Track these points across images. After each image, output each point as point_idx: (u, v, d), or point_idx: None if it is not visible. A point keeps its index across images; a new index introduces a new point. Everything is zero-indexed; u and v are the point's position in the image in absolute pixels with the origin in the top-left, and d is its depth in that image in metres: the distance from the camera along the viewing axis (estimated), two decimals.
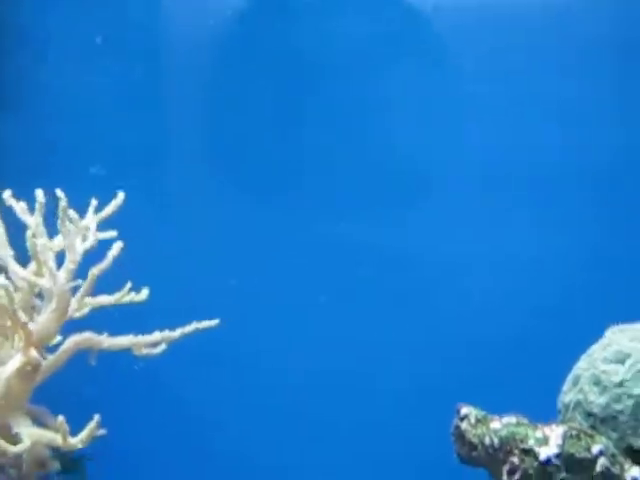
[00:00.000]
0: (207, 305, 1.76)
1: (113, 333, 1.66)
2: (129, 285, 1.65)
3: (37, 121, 2.39)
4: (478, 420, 1.67)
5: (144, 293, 1.66)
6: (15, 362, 1.48)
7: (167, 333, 1.70)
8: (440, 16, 2.28)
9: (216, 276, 2.40)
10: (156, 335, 1.69)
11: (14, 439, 1.44)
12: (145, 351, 1.70)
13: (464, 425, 1.66)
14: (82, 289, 1.54)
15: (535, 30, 2.26)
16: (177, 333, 1.68)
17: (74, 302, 1.58)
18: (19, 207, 1.55)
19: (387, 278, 2.36)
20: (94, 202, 1.64)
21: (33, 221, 1.55)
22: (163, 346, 1.68)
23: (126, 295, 1.65)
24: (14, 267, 1.56)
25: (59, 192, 1.52)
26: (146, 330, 1.65)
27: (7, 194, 1.56)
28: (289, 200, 2.42)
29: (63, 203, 1.51)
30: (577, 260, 2.19)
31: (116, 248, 1.59)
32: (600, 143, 2.18)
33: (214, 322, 1.72)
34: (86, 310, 1.65)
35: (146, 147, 2.42)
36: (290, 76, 2.38)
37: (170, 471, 2.27)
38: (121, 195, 1.65)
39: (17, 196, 1.59)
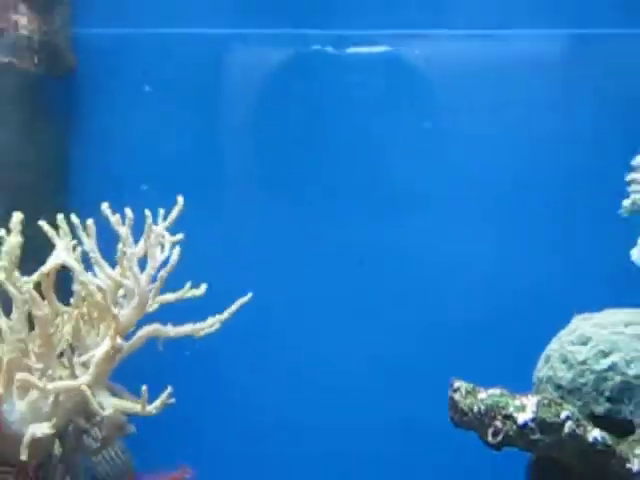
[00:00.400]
0: (241, 291, 1.81)
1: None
2: (189, 284, 1.74)
3: (106, 152, 2.51)
4: (468, 392, 1.73)
5: (202, 288, 1.73)
6: (104, 347, 1.53)
7: (218, 316, 1.75)
8: (428, 69, 2.40)
9: (249, 267, 2.49)
10: (210, 320, 1.75)
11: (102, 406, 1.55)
12: (203, 333, 1.76)
13: (457, 396, 1.73)
14: (155, 289, 1.61)
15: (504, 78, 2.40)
16: (225, 314, 1.74)
17: (150, 300, 1.65)
18: (114, 219, 1.60)
19: (387, 269, 2.47)
20: (162, 211, 1.71)
21: (124, 232, 1.60)
22: (217, 325, 1.75)
23: (188, 291, 1.74)
24: (107, 270, 1.61)
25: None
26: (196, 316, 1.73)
27: (105, 206, 1.60)
28: (313, 209, 2.56)
29: (149, 220, 1.60)
30: (549, 262, 2.22)
31: (176, 254, 1.65)
32: (554, 165, 2.33)
33: (249, 296, 1.78)
34: (156, 306, 1.71)
35: (187, 169, 2.56)
36: (311, 115, 2.54)
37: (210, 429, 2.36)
38: (180, 200, 1.72)
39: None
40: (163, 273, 1.60)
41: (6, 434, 1.48)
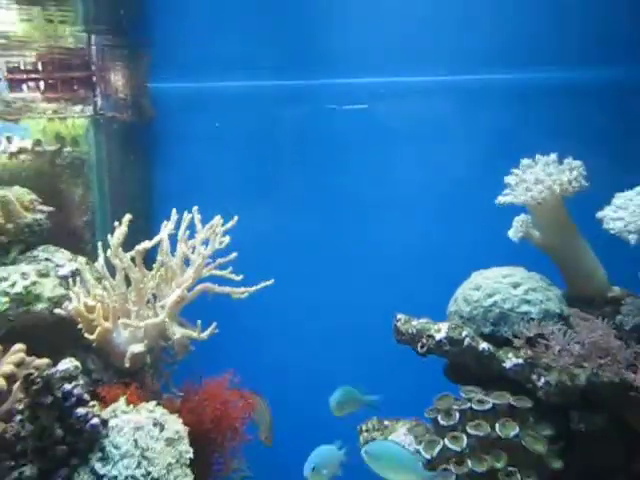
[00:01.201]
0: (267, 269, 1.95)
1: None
2: (230, 268, 1.89)
3: (178, 177, 2.64)
4: (405, 321, 1.90)
5: (240, 277, 1.90)
6: (174, 296, 1.77)
7: (250, 288, 1.89)
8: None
9: (273, 250, 2.62)
10: (242, 289, 1.89)
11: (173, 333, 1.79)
12: (236, 296, 1.89)
13: (398, 324, 1.90)
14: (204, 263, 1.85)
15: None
16: (253, 288, 1.90)
17: (205, 270, 1.84)
18: (197, 218, 1.84)
19: (358, 248, 2.64)
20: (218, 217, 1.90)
21: (200, 227, 1.85)
22: (247, 294, 1.89)
23: (229, 274, 1.89)
24: (184, 248, 1.82)
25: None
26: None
27: (195, 209, 1.84)
28: (317, 212, 2.71)
29: (218, 219, 1.86)
30: (461, 240, 2.48)
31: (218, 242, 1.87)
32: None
33: (271, 281, 1.89)
34: (207, 274, 1.86)
35: (236, 187, 2.69)
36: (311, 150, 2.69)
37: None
38: (236, 218, 1.89)
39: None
40: (220, 260, 1.85)
41: (117, 352, 1.69)
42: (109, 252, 1.74)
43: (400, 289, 2.35)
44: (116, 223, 1.79)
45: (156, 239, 1.79)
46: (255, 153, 2.69)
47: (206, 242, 1.83)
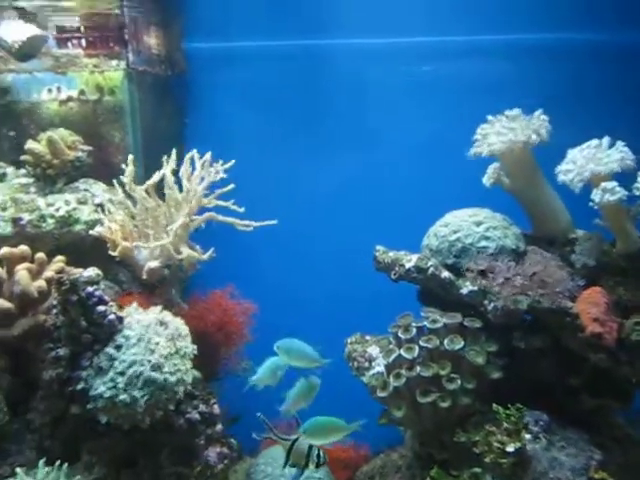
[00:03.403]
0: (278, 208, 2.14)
1: None
2: (232, 200, 2.08)
3: (207, 122, 2.82)
4: (383, 252, 2.06)
5: (242, 209, 2.07)
6: (180, 221, 2.02)
7: (252, 222, 2.06)
8: None
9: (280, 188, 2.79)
10: (247, 222, 2.07)
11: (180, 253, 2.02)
12: (241, 228, 2.07)
13: (377, 254, 2.07)
14: (211, 195, 2.08)
15: None
16: (257, 223, 2.07)
17: (206, 200, 2.05)
18: (196, 157, 2.05)
19: (353, 188, 2.77)
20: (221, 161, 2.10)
21: (199, 165, 2.06)
22: (251, 227, 2.06)
23: (231, 204, 2.06)
24: (186, 183, 2.04)
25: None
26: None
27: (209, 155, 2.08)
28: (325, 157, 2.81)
29: (209, 156, 2.05)
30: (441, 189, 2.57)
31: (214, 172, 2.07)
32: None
33: (273, 222, 2.06)
34: (211, 204, 2.07)
35: (254, 137, 2.83)
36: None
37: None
38: (232, 161, 2.10)
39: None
40: (219, 191, 2.06)
41: (139, 267, 1.90)
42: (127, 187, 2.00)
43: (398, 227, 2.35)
44: (129, 158, 2.01)
45: (159, 174, 2.01)
46: (277, 106, 2.81)
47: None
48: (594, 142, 1.84)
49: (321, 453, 1.60)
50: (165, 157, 2.06)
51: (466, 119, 2.06)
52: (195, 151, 2.08)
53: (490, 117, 2.03)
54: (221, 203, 2.09)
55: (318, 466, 1.60)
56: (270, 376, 1.76)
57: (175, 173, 2.06)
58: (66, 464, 1.65)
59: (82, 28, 2.23)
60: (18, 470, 1.61)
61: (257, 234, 2.11)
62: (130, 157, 2.05)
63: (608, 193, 1.74)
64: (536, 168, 2.03)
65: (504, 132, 1.96)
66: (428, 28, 2.66)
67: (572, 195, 1.82)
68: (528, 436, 1.71)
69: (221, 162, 2.10)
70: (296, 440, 1.60)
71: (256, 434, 1.65)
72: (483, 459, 1.66)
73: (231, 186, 2.07)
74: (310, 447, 1.59)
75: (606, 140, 1.83)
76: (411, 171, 2.68)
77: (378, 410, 1.96)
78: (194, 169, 2.07)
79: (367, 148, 2.78)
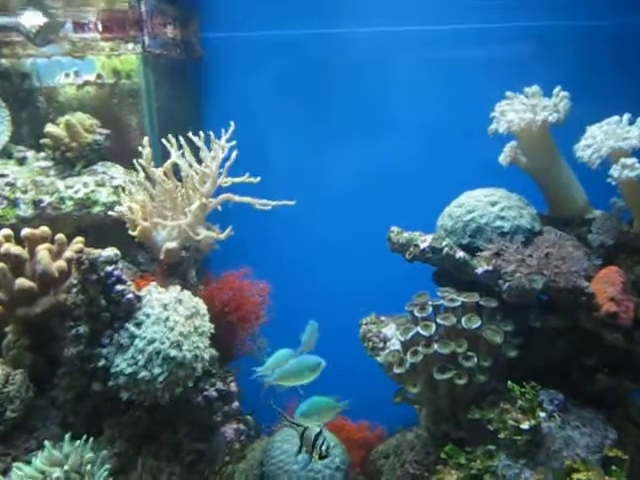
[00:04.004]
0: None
1: None
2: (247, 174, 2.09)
3: (221, 105, 2.83)
4: (398, 232, 2.05)
5: (257, 179, 2.07)
6: (197, 203, 2.03)
7: (270, 202, 2.07)
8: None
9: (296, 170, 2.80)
10: (263, 201, 2.08)
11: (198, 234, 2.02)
12: (259, 206, 2.07)
13: (391, 235, 2.05)
14: (222, 174, 2.07)
15: None
16: (274, 203, 2.08)
17: (219, 180, 2.05)
18: (199, 141, 2.05)
19: (366, 169, 2.77)
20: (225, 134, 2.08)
21: (204, 148, 2.05)
22: (269, 206, 2.08)
23: (246, 178, 2.07)
24: (198, 168, 2.04)
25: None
26: None
27: (230, 134, 2.08)
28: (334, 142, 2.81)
29: (218, 142, 2.05)
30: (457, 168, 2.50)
31: (233, 155, 2.07)
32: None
33: (292, 202, 2.08)
34: (227, 184, 2.07)
35: (269, 119, 2.85)
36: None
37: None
38: (232, 125, 2.08)
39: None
40: (227, 164, 2.04)
41: (157, 247, 1.98)
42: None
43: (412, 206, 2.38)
44: (145, 141, 2.03)
45: (175, 156, 2.01)
46: (289, 91, 2.82)
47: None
48: (614, 118, 1.82)
49: (328, 444, 1.61)
50: (171, 141, 2.03)
51: (482, 102, 2.07)
52: (211, 133, 2.06)
53: (509, 93, 2.00)
54: (237, 180, 2.08)
55: (322, 458, 1.60)
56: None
57: (195, 155, 2.07)
58: (92, 439, 1.69)
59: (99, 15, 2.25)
60: (46, 443, 1.65)
61: (272, 216, 2.14)
62: (145, 139, 2.07)
63: (628, 169, 1.72)
64: (554, 147, 2.01)
65: (523, 109, 1.93)
66: (440, 16, 2.63)
67: (590, 176, 1.81)
68: (543, 414, 1.72)
69: (224, 136, 2.07)
70: (306, 429, 1.61)
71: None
72: (497, 436, 1.69)
73: (258, 179, 2.06)
74: (316, 437, 1.60)
75: (627, 116, 1.81)
76: (427, 155, 2.65)
77: (392, 391, 1.94)
78: (210, 151, 2.07)
79: (382, 131, 2.77)
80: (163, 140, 2.05)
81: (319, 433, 1.60)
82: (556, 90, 1.95)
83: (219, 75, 2.82)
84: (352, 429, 2.28)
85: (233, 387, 1.96)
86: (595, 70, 2.54)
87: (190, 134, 2.06)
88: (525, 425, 1.65)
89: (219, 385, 1.93)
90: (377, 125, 2.77)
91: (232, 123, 2.08)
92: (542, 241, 1.87)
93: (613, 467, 1.58)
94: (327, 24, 2.68)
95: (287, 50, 2.78)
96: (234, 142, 2.06)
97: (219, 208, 2.11)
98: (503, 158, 2.07)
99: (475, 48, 2.67)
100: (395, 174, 2.69)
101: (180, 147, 2.05)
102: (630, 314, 1.71)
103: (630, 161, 1.72)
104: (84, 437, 1.69)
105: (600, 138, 1.80)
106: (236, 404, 1.95)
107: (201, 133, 2.05)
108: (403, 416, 2.21)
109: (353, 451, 2.22)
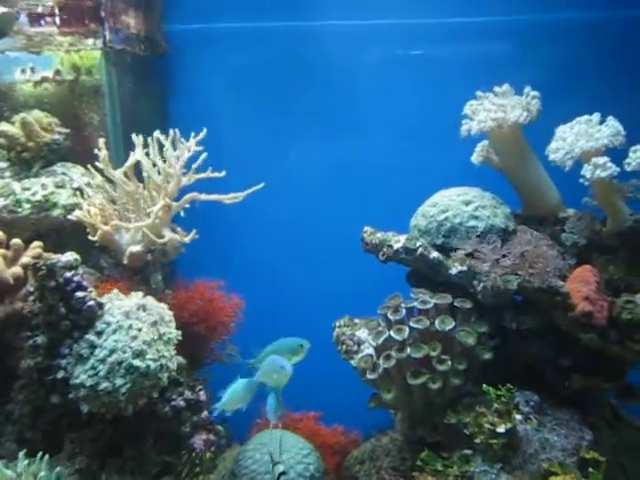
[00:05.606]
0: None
1: None
2: (210, 169, 2.02)
3: (186, 101, 2.77)
4: (371, 233, 2.02)
5: (222, 174, 2.01)
6: (159, 204, 1.95)
7: (239, 194, 2.02)
8: None
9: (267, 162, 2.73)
10: (232, 195, 2.02)
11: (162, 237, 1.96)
12: (229, 202, 2.02)
13: (365, 235, 2.02)
14: (189, 173, 2.02)
15: None
16: (244, 193, 2.03)
17: (184, 179, 2.00)
18: (163, 139, 1.98)
19: (342, 166, 2.74)
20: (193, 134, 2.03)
21: (169, 146, 1.98)
22: (238, 199, 2.02)
23: (210, 174, 2.01)
24: (161, 167, 1.98)
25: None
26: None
27: (196, 136, 2.02)
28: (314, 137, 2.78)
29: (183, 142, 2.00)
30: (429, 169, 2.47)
31: (201, 157, 2.00)
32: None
33: (261, 185, 2.00)
34: (191, 182, 2.01)
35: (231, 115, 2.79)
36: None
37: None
38: (204, 131, 2.03)
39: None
40: (194, 165, 1.99)
41: (120, 251, 1.91)
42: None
43: (386, 206, 2.38)
44: (101, 142, 1.95)
45: (135, 157, 1.93)
46: (258, 85, 2.76)
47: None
48: (584, 118, 1.81)
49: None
50: (136, 138, 1.97)
51: (457, 100, 2.03)
52: (158, 133, 1.99)
53: (479, 93, 1.99)
54: (201, 176, 2.01)
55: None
56: (240, 399, 1.76)
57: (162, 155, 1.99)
58: (47, 455, 1.60)
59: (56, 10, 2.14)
60: None
61: (243, 217, 2.08)
62: (101, 140, 1.98)
63: (599, 169, 1.70)
64: (526, 146, 1.99)
65: (494, 109, 1.91)
66: (418, 10, 2.59)
67: (562, 175, 1.78)
68: (519, 417, 1.70)
69: (193, 135, 2.01)
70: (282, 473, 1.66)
71: None
72: (474, 440, 1.66)
73: (222, 173, 1.99)
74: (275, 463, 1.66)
75: (596, 115, 1.80)
76: (400, 153, 2.62)
77: (367, 395, 1.89)
78: (175, 150, 1.99)
79: (355, 130, 2.73)
80: (132, 136, 1.95)
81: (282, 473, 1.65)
82: (526, 90, 1.93)
83: (184, 70, 2.75)
84: (326, 434, 2.23)
85: (202, 396, 1.88)
86: (571, 67, 2.54)
87: (156, 132, 1.98)
88: (501, 428, 1.61)
89: (187, 394, 1.85)
90: (349, 121, 2.72)
91: (204, 129, 2.01)
92: (516, 241, 1.85)
93: (590, 469, 1.56)
94: (296, 16, 2.62)
95: (254, 43, 2.71)
96: (202, 147, 1.99)
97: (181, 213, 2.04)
98: (475, 157, 2.06)
99: (451, 44, 2.62)
100: (368, 172, 2.64)
101: (146, 146, 1.99)
102: (604, 313, 1.69)
103: (602, 160, 1.70)
104: (39, 454, 1.59)
105: (571, 139, 1.78)
106: (205, 414, 1.88)
107: (170, 131, 1.96)
108: (378, 420, 2.16)
109: (328, 457, 2.17)
